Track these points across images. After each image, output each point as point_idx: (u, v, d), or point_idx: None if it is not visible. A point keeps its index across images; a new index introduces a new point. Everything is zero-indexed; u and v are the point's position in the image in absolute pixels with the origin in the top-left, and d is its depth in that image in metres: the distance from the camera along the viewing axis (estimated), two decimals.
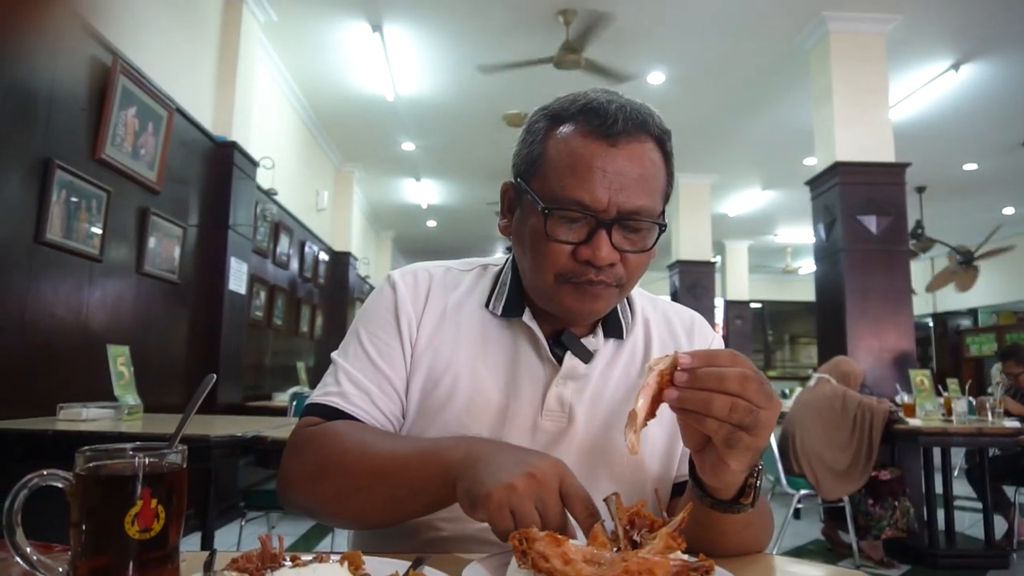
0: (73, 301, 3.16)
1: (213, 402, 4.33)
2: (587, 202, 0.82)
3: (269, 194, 5.82)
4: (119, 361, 2.93)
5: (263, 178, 5.47)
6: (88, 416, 2.65)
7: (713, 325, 1.08)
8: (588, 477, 0.79)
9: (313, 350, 7.80)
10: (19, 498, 0.58)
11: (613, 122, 0.83)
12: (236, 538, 3.49)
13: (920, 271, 11.80)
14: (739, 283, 12.31)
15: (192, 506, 2.72)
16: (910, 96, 6.22)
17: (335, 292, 8.62)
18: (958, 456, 6.01)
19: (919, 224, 8.59)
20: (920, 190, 8.65)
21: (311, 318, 7.59)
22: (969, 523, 4.74)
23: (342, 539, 3.39)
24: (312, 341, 7.74)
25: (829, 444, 3.79)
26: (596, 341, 0.95)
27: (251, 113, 5.09)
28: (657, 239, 0.88)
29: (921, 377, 4.14)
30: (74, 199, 3.09)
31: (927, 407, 4.05)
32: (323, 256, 8.02)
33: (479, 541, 0.85)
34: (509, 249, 1.00)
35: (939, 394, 4.30)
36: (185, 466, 0.64)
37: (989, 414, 3.99)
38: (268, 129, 5.89)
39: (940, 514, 4.01)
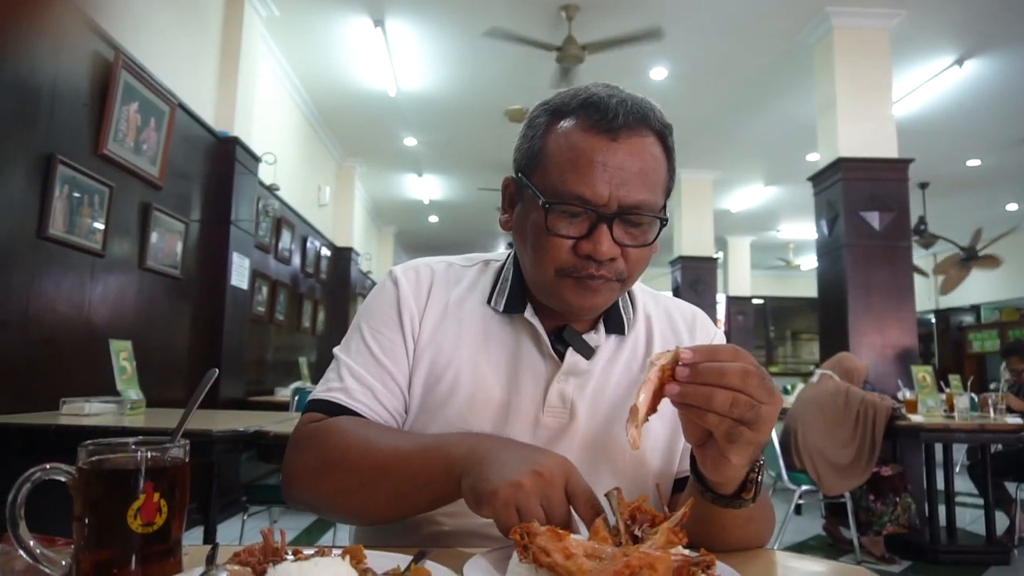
0: (76, 296, 3.17)
1: (215, 397, 4.34)
2: (588, 196, 0.82)
3: (271, 189, 5.82)
4: (122, 356, 2.93)
5: (265, 173, 5.47)
6: (91, 411, 2.66)
7: (715, 321, 1.08)
8: (590, 473, 0.79)
9: (315, 345, 7.81)
10: (22, 492, 0.58)
11: (614, 116, 0.83)
12: (238, 532, 3.50)
13: (923, 267, 11.77)
14: (741, 279, 12.30)
15: (194, 500, 2.72)
16: (913, 92, 6.20)
17: (337, 287, 8.63)
18: (960, 452, 6.01)
19: (922, 220, 8.57)
20: (923, 186, 8.63)
21: (313, 313, 7.60)
22: (970, 519, 4.74)
23: (344, 533, 3.40)
24: (314, 336, 7.75)
25: (831, 440, 3.79)
26: (598, 337, 0.95)
27: (253, 108, 5.09)
28: (658, 233, 0.88)
29: (923, 373, 4.13)
30: (76, 194, 3.09)
31: (929, 403, 4.04)
32: (325, 251, 8.02)
33: (481, 536, 0.85)
34: (511, 245, 1.00)
35: (941, 390, 4.29)
36: (187, 460, 0.65)
37: (991, 410, 3.99)
38: (270, 124, 5.88)
39: (941, 510, 4.02)
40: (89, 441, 0.61)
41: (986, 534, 3.99)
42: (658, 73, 6.13)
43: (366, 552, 0.63)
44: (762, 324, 15.56)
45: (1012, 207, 10.21)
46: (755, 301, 13.38)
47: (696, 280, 8.81)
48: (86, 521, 0.59)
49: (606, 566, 0.55)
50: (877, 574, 0.73)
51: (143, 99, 3.60)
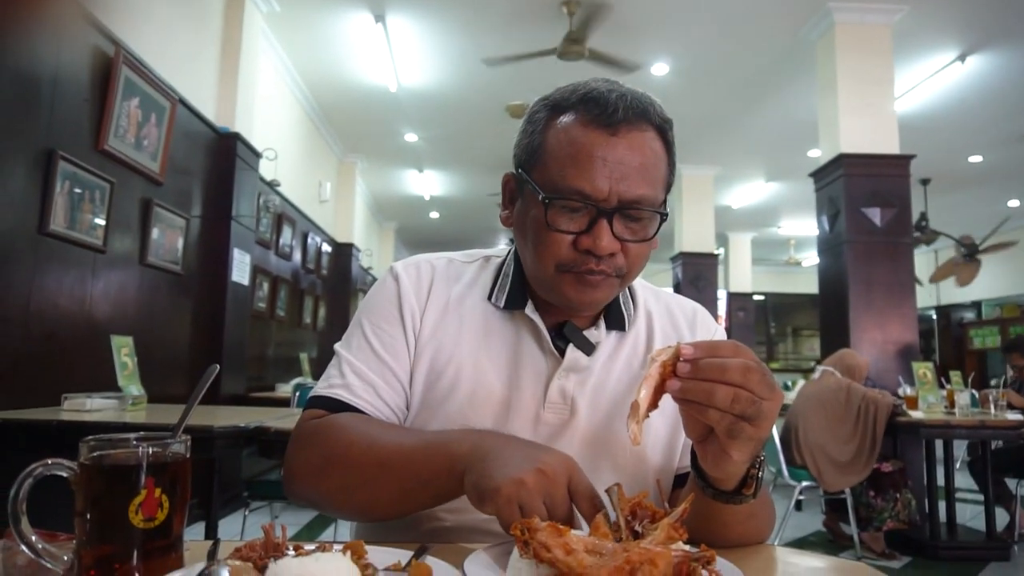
0: (77, 292, 3.17)
1: (216, 393, 4.35)
2: (588, 191, 0.82)
3: (272, 185, 5.82)
4: (123, 352, 2.94)
5: (266, 169, 5.47)
6: (92, 406, 2.66)
7: (716, 317, 1.08)
8: (590, 469, 0.79)
9: (316, 341, 7.82)
10: (24, 487, 0.59)
11: (613, 111, 0.83)
12: (239, 527, 3.50)
13: (924, 263, 11.77)
14: (742, 275, 12.30)
15: (196, 496, 2.73)
16: (916, 88, 6.19)
17: (338, 283, 8.63)
18: (960, 448, 6.02)
19: (923, 216, 8.56)
20: (925, 182, 8.61)
21: (314, 309, 7.61)
22: (970, 515, 4.75)
23: (345, 529, 3.41)
24: (315, 332, 7.75)
25: (832, 436, 3.80)
26: (598, 333, 0.95)
27: (254, 104, 5.08)
28: (658, 228, 0.87)
29: (924, 370, 4.14)
30: (77, 190, 3.09)
31: (930, 399, 4.05)
32: (326, 247, 8.02)
33: (481, 532, 0.85)
34: (512, 241, 1.00)
35: (942, 386, 4.29)
36: (188, 456, 0.65)
37: (992, 407, 3.99)
38: (271, 120, 5.88)
39: (942, 506, 4.02)
40: (90, 437, 0.61)
41: (986, 530, 3.99)
42: (659, 69, 6.12)
43: (367, 547, 0.63)
44: (763, 320, 15.56)
45: (1014, 203, 10.19)
46: (756, 297, 13.37)
47: (697, 276, 8.81)
48: (88, 516, 0.60)
49: (606, 561, 0.55)
50: (877, 570, 0.73)
51: (144, 95, 3.60)
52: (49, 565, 0.60)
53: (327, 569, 0.53)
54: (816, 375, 4.19)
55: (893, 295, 4.75)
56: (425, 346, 0.93)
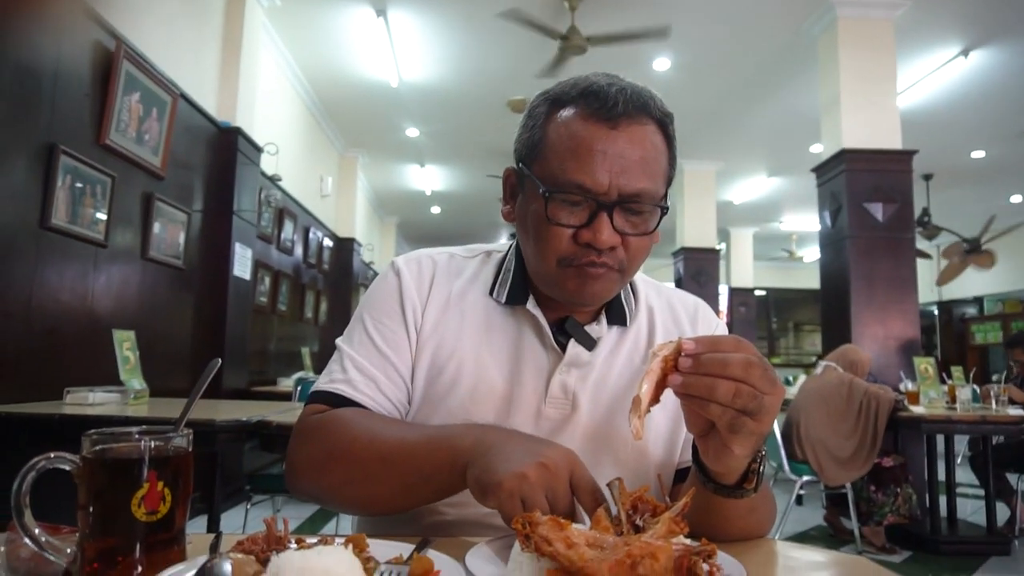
0: (79, 286, 3.17)
1: (218, 387, 4.35)
2: (588, 185, 0.82)
3: (273, 180, 5.82)
4: (125, 346, 2.94)
5: (267, 164, 5.46)
6: (94, 400, 2.67)
7: (717, 312, 1.08)
8: (592, 463, 0.80)
9: (317, 336, 7.82)
10: (27, 480, 0.59)
11: (613, 104, 0.83)
12: (242, 521, 3.52)
13: (929, 262, 11.76)
14: (743, 270, 12.29)
15: (198, 489, 2.73)
16: (918, 83, 6.17)
17: (339, 278, 8.63)
18: (961, 444, 6.02)
19: (925, 212, 8.54)
20: (927, 177, 8.60)
21: (315, 304, 7.61)
22: (971, 510, 4.75)
23: (347, 522, 3.42)
24: (316, 327, 7.76)
25: (834, 431, 3.80)
26: (600, 328, 0.95)
27: (255, 99, 5.07)
28: (659, 222, 0.87)
29: (925, 365, 4.13)
30: (79, 185, 3.09)
31: (931, 395, 4.05)
32: (327, 242, 8.02)
33: (483, 525, 0.86)
34: (513, 236, 1.00)
35: (943, 382, 4.29)
36: (191, 450, 0.65)
37: (993, 402, 3.99)
38: (272, 115, 5.87)
39: (943, 501, 4.02)
40: (93, 430, 0.62)
41: (987, 525, 4.00)
42: (661, 64, 6.10)
43: (369, 541, 0.64)
44: (764, 315, 15.55)
45: (1016, 199, 10.17)
46: (757, 292, 13.36)
47: (698, 271, 8.80)
48: (91, 510, 0.60)
49: (608, 555, 0.55)
50: (878, 564, 0.73)
51: (145, 89, 3.59)
52: (52, 558, 0.60)
53: (329, 562, 0.53)
54: (818, 370, 4.19)
55: (895, 290, 4.75)
56: (427, 341, 0.93)
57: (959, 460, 5.24)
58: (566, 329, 0.93)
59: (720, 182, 9.39)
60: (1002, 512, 4.15)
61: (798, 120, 7.11)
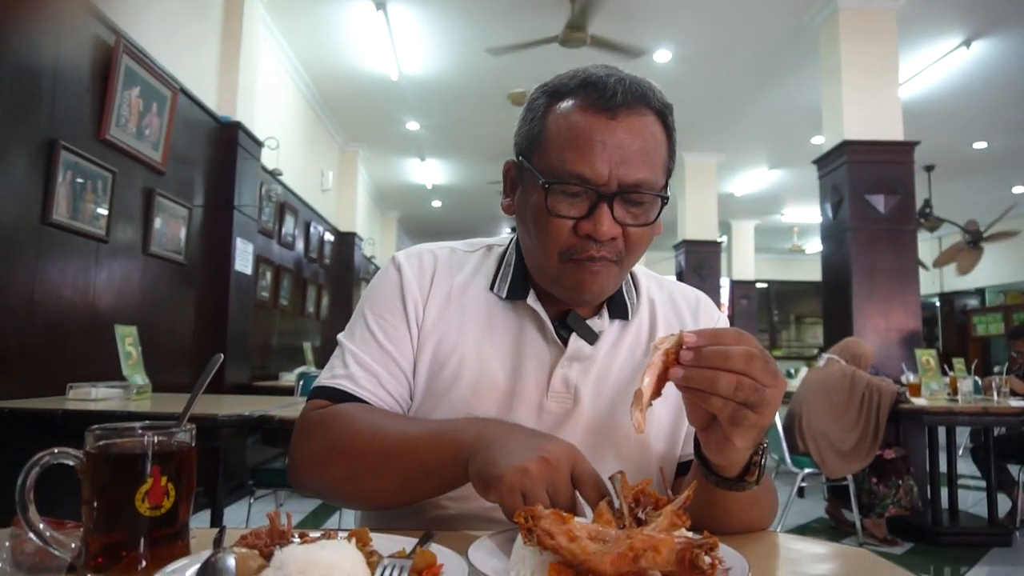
0: (80, 282, 3.18)
1: (220, 382, 4.36)
2: (587, 176, 0.82)
3: (274, 174, 5.81)
4: (127, 341, 2.95)
5: (268, 158, 5.46)
6: (97, 396, 2.67)
7: (719, 305, 1.08)
8: (594, 457, 0.80)
9: (319, 330, 7.83)
10: (31, 475, 0.59)
11: (612, 95, 0.82)
12: (245, 515, 3.53)
13: (928, 250, 11.73)
14: (745, 263, 12.28)
15: (201, 484, 2.74)
16: (920, 73, 6.14)
17: (341, 272, 8.63)
18: (963, 435, 6.02)
19: (927, 203, 8.52)
20: (929, 169, 8.57)
21: (317, 298, 7.62)
22: (973, 502, 4.76)
23: (349, 517, 3.43)
24: (318, 321, 7.77)
25: (836, 424, 3.80)
26: (601, 322, 0.95)
27: (255, 93, 5.07)
28: (659, 212, 0.87)
29: (927, 357, 4.13)
30: (80, 180, 3.09)
31: (933, 387, 4.05)
32: (328, 236, 8.02)
33: (485, 519, 0.86)
34: (514, 230, 1.00)
35: (945, 374, 4.30)
36: (194, 445, 0.65)
37: (995, 393, 3.99)
38: (272, 109, 5.86)
39: (944, 492, 4.03)
40: (96, 426, 0.62)
41: (988, 516, 4.01)
42: (662, 56, 6.08)
43: (372, 535, 0.64)
44: (766, 308, 15.54)
45: (1018, 190, 10.14)
46: (759, 285, 13.35)
47: (700, 264, 8.79)
48: (95, 504, 0.60)
49: (610, 548, 0.56)
50: (879, 556, 0.73)
51: (145, 84, 3.59)
52: (57, 552, 0.61)
53: (332, 556, 0.53)
54: (821, 363, 4.19)
55: (896, 282, 4.74)
56: (428, 336, 0.93)
57: (960, 452, 5.25)
58: (568, 323, 0.93)
59: (721, 174, 9.37)
60: (1003, 503, 4.15)
61: (799, 112, 7.09)
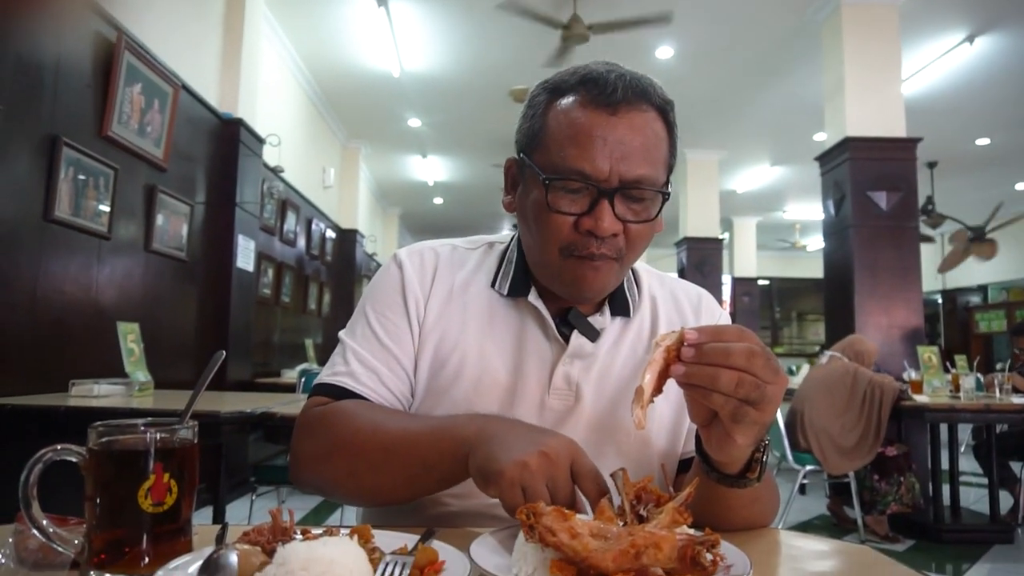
0: (83, 279, 3.18)
1: (223, 379, 4.37)
2: (588, 171, 0.82)
3: (275, 171, 5.81)
4: (129, 338, 2.95)
5: (269, 155, 5.46)
6: (100, 392, 2.68)
7: (720, 302, 1.08)
8: (595, 454, 0.80)
9: (321, 327, 7.84)
10: (34, 472, 0.59)
11: (612, 91, 0.82)
12: (247, 512, 3.54)
13: (930, 250, 11.71)
14: (747, 260, 12.27)
15: (203, 481, 2.76)
16: (923, 70, 6.13)
17: (342, 269, 8.64)
18: (965, 432, 6.02)
19: (930, 200, 8.51)
20: (931, 165, 8.55)
21: (319, 295, 7.62)
22: (974, 498, 4.76)
23: (351, 513, 3.44)
24: (320, 318, 7.78)
25: (837, 422, 3.80)
26: (603, 319, 0.95)
27: (257, 90, 5.06)
28: (660, 208, 0.87)
29: (929, 354, 4.13)
30: (81, 177, 3.10)
31: (935, 384, 4.04)
32: (330, 233, 8.02)
33: (486, 516, 0.86)
34: (516, 226, 1.00)
35: (947, 371, 4.29)
36: (196, 441, 0.65)
37: (997, 390, 3.99)
38: (274, 106, 5.86)
39: (946, 489, 4.03)
40: (99, 423, 0.62)
41: (990, 513, 4.01)
42: (664, 52, 6.07)
43: (374, 531, 0.64)
44: (768, 305, 15.54)
45: (1021, 186, 10.12)
46: (761, 282, 13.35)
47: (702, 261, 8.79)
48: (97, 501, 0.60)
49: (611, 545, 0.56)
50: (881, 553, 0.73)
51: (146, 80, 3.59)
52: (60, 549, 0.61)
53: (335, 553, 0.53)
54: (824, 360, 4.19)
55: (898, 279, 4.74)
56: (429, 333, 0.93)
57: (962, 449, 5.24)
58: (569, 320, 0.93)
59: (723, 171, 9.36)
60: (1005, 500, 4.15)
61: (802, 108, 7.07)
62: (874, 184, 4.77)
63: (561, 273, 0.87)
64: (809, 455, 3.83)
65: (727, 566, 0.60)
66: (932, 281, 12.44)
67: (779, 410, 0.96)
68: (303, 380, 4.02)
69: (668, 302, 1.02)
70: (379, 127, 8.29)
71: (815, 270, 7.09)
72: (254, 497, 3.44)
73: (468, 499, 0.87)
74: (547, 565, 0.57)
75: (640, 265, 1.02)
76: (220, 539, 0.62)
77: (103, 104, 3.27)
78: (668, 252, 10.42)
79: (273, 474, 3.35)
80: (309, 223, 7.16)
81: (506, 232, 1.07)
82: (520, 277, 0.95)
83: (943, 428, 4.16)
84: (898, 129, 4.90)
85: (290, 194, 6.42)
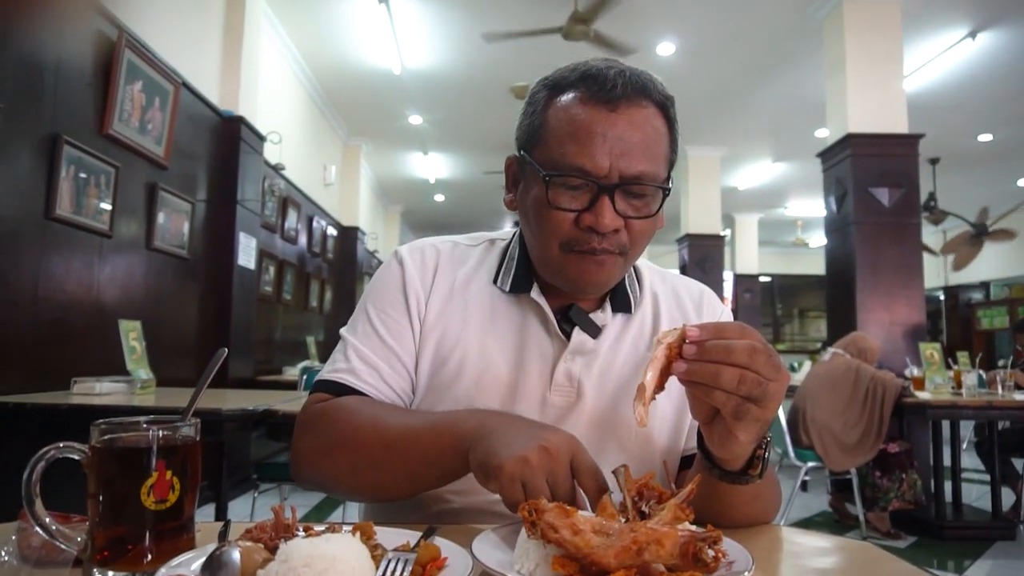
0: (84, 277, 3.18)
1: (224, 376, 4.37)
2: (588, 168, 0.82)
3: (277, 169, 5.81)
4: (131, 336, 2.95)
5: (270, 153, 5.46)
6: (102, 390, 2.68)
7: (722, 299, 1.07)
8: (597, 450, 0.80)
9: (323, 325, 7.85)
10: (37, 470, 0.59)
11: (612, 87, 0.82)
12: (249, 509, 3.54)
13: (933, 244, 11.69)
14: (748, 257, 12.25)
15: (206, 478, 2.76)
16: (925, 65, 6.11)
17: (344, 267, 8.64)
18: (967, 429, 6.01)
19: (932, 196, 8.49)
20: (934, 162, 8.53)
21: (320, 293, 7.63)
22: (976, 495, 4.76)
23: (354, 510, 3.45)
24: (321, 316, 7.78)
25: (840, 417, 3.80)
26: (604, 316, 0.95)
27: (258, 87, 5.06)
28: (661, 204, 0.87)
29: (931, 351, 4.12)
30: (83, 175, 3.10)
31: (937, 380, 4.04)
32: (331, 231, 8.02)
33: (489, 513, 0.86)
34: (517, 224, 1.00)
35: (949, 367, 4.29)
36: (198, 439, 0.65)
37: (999, 387, 3.98)
38: (275, 103, 5.86)
39: (948, 486, 4.03)
40: (101, 420, 0.62)
41: (992, 510, 4.00)
42: (665, 48, 6.06)
43: (376, 528, 0.64)
44: (769, 302, 15.53)
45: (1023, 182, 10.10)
46: (762, 279, 13.33)
47: (703, 258, 8.78)
48: (100, 498, 0.60)
49: (613, 542, 0.56)
50: (882, 549, 0.73)
51: (147, 78, 3.58)
52: (63, 546, 0.61)
53: (337, 549, 0.53)
54: (826, 356, 4.19)
55: (900, 276, 4.73)
56: (430, 330, 0.93)
57: (964, 446, 5.23)
58: (570, 317, 0.93)
59: (725, 168, 9.34)
60: (1007, 497, 4.15)
61: (803, 105, 7.06)
62: (876, 180, 4.76)
63: (562, 268, 0.87)
64: (811, 452, 3.83)
65: (729, 562, 0.60)
66: (934, 278, 12.43)
67: (781, 407, 0.96)
68: (305, 377, 4.02)
69: (670, 298, 1.02)
70: (380, 124, 8.28)
71: (817, 267, 7.08)
72: (256, 494, 3.45)
73: (470, 496, 0.87)
74: (549, 561, 0.57)
75: (642, 262, 1.02)
76: (223, 536, 0.62)
77: (104, 102, 3.27)
78: (669, 249, 10.41)
79: (275, 471, 3.36)
80: (310, 220, 7.16)
81: (508, 229, 1.07)
82: (522, 273, 0.95)
83: (945, 425, 4.16)
84: (900, 125, 4.88)
85: (291, 192, 6.42)
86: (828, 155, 5.16)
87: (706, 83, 6.77)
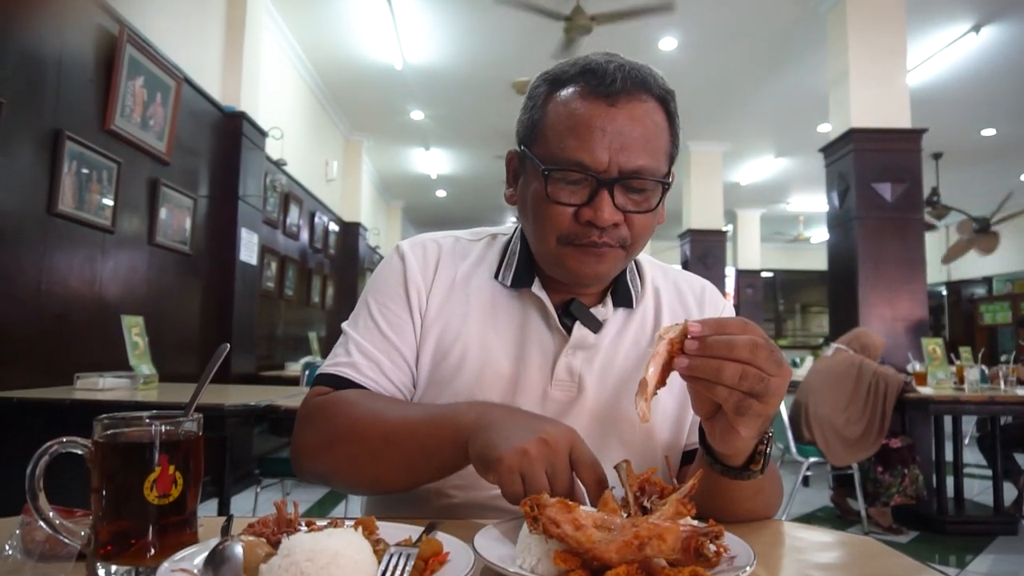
0: (87, 272, 3.19)
1: (227, 372, 4.38)
2: (587, 162, 0.82)
3: (278, 164, 5.81)
4: (134, 331, 2.96)
5: (272, 148, 5.45)
6: (104, 385, 2.69)
7: (724, 294, 1.07)
8: (599, 445, 0.80)
9: (324, 320, 7.86)
10: (40, 464, 0.59)
11: (612, 81, 0.82)
12: (252, 504, 3.55)
13: (935, 240, 11.67)
14: (751, 252, 12.24)
15: (208, 473, 2.76)
16: (928, 60, 6.09)
17: (345, 262, 8.64)
18: (969, 424, 6.01)
19: (935, 191, 8.46)
20: (936, 156, 8.50)
21: (322, 288, 7.63)
22: (978, 490, 4.76)
23: (356, 505, 3.45)
24: (323, 311, 7.79)
25: (842, 414, 3.80)
26: (605, 311, 0.95)
27: (259, 83, 5.06)
28: (661, 199, 0.87)
29: (933, 346, 4.12)
30: (85, 170, 3.10)
31: (939, 376, 4.04)
32: (333, 226, 8.02)
33: (490, 508, 0.86)
34: (518, 219, 1.00)
35: (951, 363, 4.28)
36: (201, 434, 0.66)
37: (1002, 382, 3.98)
38: (276, 99, 5.85)
39: (950, 481, 4.03)
40: (104, 415, 0.62)
41: (994, 505, 4.00)
42: (667, 44, 6.04)
43: (378, 523, 0.64)
44: (771, 297, 15.51)
45: None
46: (764, 274, 13.32)
47: (705, 253, 8.76)
48: (103, 493, 0.60)
49: (615, 536, 0.56)
50: (884, 544, 0.73)
51: (149, 74, 3.58)
52: (67, 540, 0.61)
53: (339, 544, 0.53)
54: (829, 352, 4.18)
55: (903, 271, 4.72)
56: (431, 325, 0.94)
57: (967, 441, 5.24)
58: (572, 311, 0.93)
59: (727, 163, 9.32)
60: (1009, 492, 4.15)
61: (806, 99, 7.04)
62: (879, 175, 4.75)
63: (562, 259, 0.87)
64: (813, 447, 3.83)
65: (731, 557, 0.60)
66: (937, 273, 12.41)
67: (783, 402, 0.96)
68: (307, 373, 4.02)
69: (671, 293, 1.02)
70: (382, 120, 8.27)
71: (819, 262, 7.08)
72: (259, 489, 3.46)
73: (472, 491, 0.87)
74: (551, 556, 0.57)
75: (643, 256, 1.02)
76: (225, 531, 0.63)
77: (106, 98, 3.27)
78: (671, 244, 10.39)
79: (277, 466, 3.36)
80: (312, 216, 7.16)
81: (509, 224, 1.07)
82: (524, 268, 0.95)
83: (947, 420, 4.15)
84: (903, 120, 4.87)
85: (293, 187, 6.42)
86: (831, 150, 5.14)
87: (708, 78, 6.75)
